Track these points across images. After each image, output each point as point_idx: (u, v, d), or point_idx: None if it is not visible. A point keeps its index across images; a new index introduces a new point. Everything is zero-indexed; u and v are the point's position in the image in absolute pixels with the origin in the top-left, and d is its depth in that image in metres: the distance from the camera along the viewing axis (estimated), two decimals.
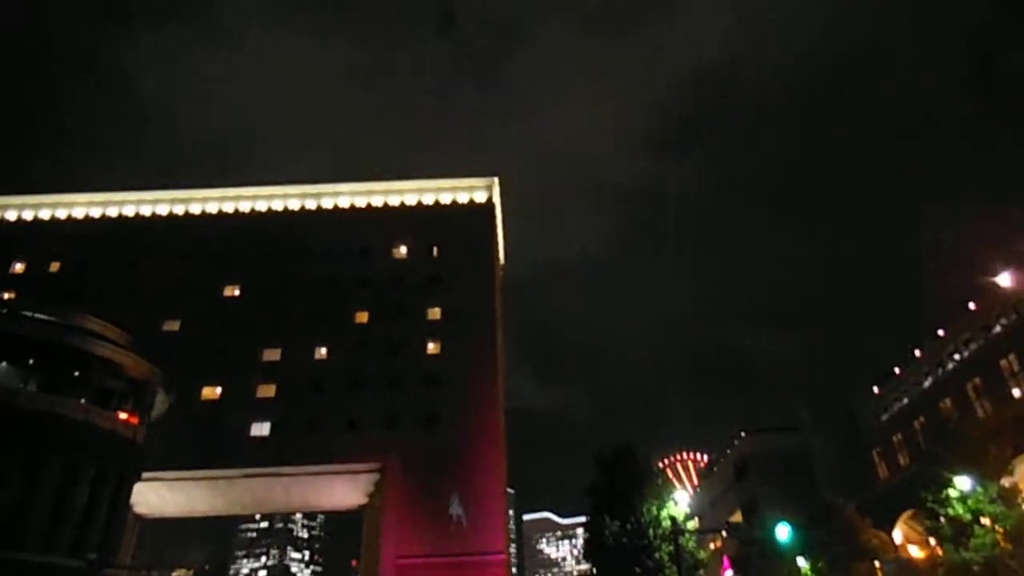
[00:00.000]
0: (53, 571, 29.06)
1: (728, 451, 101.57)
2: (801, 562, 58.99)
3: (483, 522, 54.45)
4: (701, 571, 39.26)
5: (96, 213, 68.33)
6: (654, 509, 38.09)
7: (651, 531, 37.64)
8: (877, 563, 53.70)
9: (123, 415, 36.19)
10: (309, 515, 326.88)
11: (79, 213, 68.25)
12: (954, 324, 75.62)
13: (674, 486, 37.61)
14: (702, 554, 39.48)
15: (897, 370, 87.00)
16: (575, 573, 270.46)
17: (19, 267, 65.40)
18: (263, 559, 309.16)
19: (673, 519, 33.09)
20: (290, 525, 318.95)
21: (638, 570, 36.70)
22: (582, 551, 48.20)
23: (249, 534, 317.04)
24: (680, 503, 35.26)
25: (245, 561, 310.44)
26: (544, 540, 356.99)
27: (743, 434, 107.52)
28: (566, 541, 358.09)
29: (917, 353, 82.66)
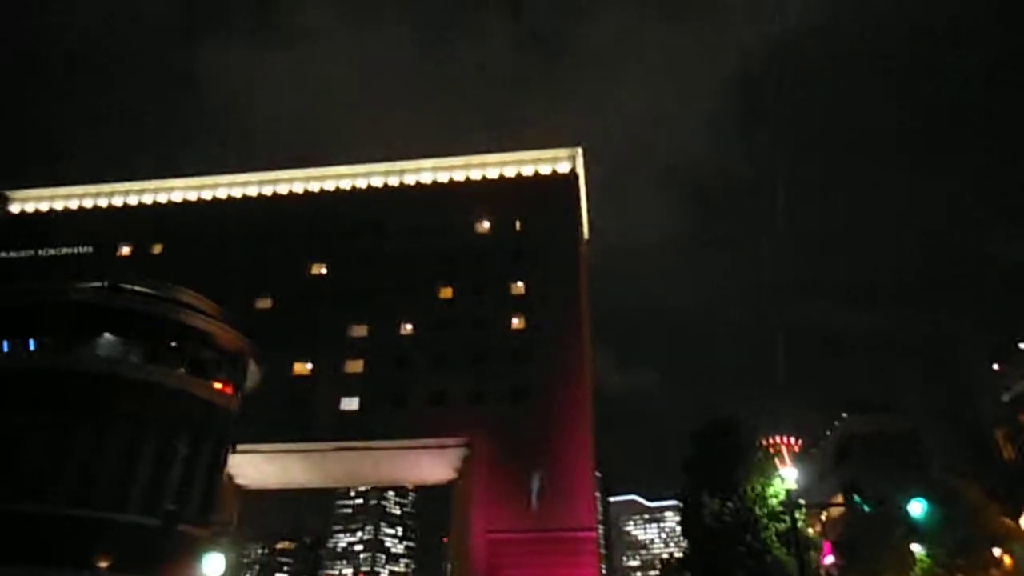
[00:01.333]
0: (144, 531, 29.71)
1: (828, 432, 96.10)
2: (916, 548, 54.73)
3: (572, 499, 53.24)
4: (813, 551, 36.40)
5: (192, 197, 70.98)
6: (758, 486, 35.55)
7: (755, 509, 35.17)
8: (998, 551, 48.91)
9: (218, 385, 36.86)
10: (401, 492, 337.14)
11: (177, 197, 71.11)
12: None
13: (778, 462, 34.90)
14: (811, 533, 36.55)
15: (1023, 345, 79.62)
16: (663, 556, 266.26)
17: (126, 250, 68.84)
18: (359, 534, 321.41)
19: (788, 493, 30.46)
20: (383, 502, 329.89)
21: (742, 550, 34.38)
22: (677, 530, 46.16)
23: (345, 510, 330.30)
24: (789, 479, 32.60)
25: (342, 536, 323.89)
26: (631, 522, 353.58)
27: (844, 415, 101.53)
28: (654, 524, 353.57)
29: None
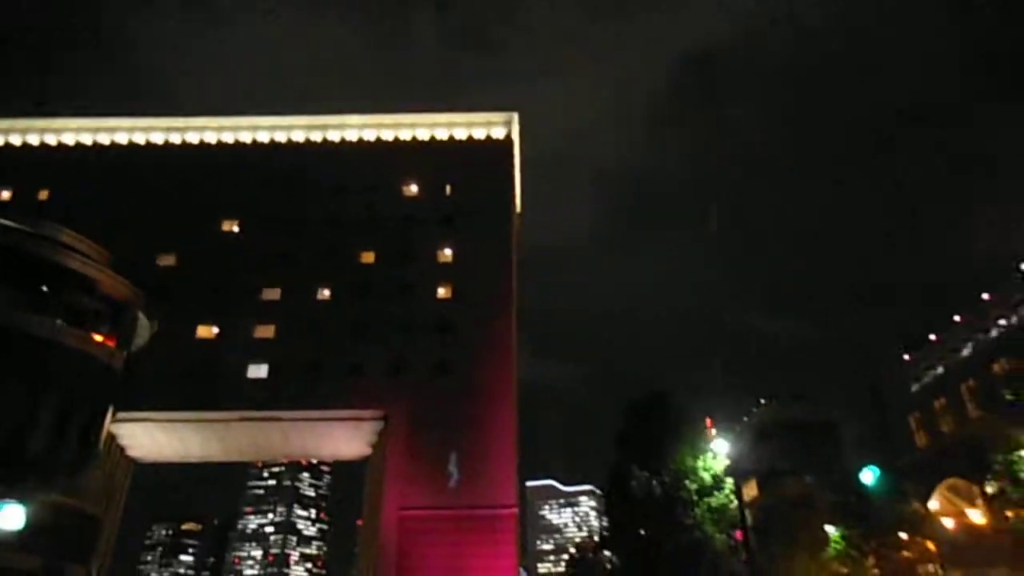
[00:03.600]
0: None
1: (745, 419, 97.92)
2: (830, 530, 55.49)
3: (492, 476, 50.98)
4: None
5: (87, 140, 64.03)
6: (690, 460, 34.18)
7: (687, 484, 33.81)
8: (904, 535, 49.94)
9: (98, 338, 32.36)
10: (316, 473, 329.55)
11: (69, 139, 63.97)
12: (1002, 289, 71.25)
13: (711, 436, 33.64)
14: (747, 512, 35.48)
15: (933, 337, 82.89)
16: (576, 539, 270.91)
17: (5, 195, 61.48)
18: (270, 516, 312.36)
19: (724, 468, 28.94)
20: (297, 483, 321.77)
21: (669, 523, 32.94)
22: (591, 515, 44.65)
23: (256, 491, 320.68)
24: (720, 452, 31.35)
25: (252, 517, 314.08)
26: (547, 507, 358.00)
27: (762, 401, 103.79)
28: (568, 508, 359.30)
29: (956, 318, 78.43)
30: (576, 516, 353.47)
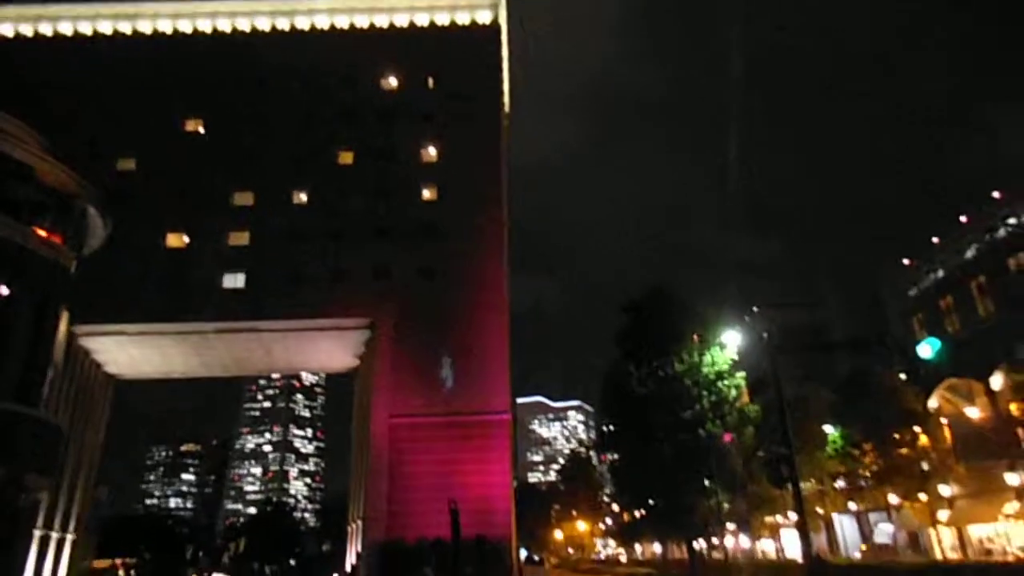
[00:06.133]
0: None
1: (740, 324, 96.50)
2: (828, 429, 54.57)
3: (485, 382, 49.09)
4: (750, 427, 33.53)
5: (27, 30, 57.98)
6: (694, 355, 31.86)
7: (687, 380, 31.58)
8: (917, 428, 48.98)
9: (42, 233, 28.87)
10: (309, 396, 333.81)
11: (7, 29, 57.88)
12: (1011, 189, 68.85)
13: (720, 328, 31.24)
14: (751, 408, 33.54)
15: (935, 239, 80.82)
16: (565, 451, 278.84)
17: None
18: (267, 435, 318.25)
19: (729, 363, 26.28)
20: (292, 405, 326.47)
21: (670, 421, 30.93)
22: (579, 429, 42.84)
23: (252, 412, 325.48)
24: (729, 345, 29.07)
25: (250, 437, 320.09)
26: (536, 422, 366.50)
27: (755, 309, 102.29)
28: (557, 423, 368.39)
29: (962, 219, 76.13)
30: (565, 429, 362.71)
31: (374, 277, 51.88)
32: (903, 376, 44.49)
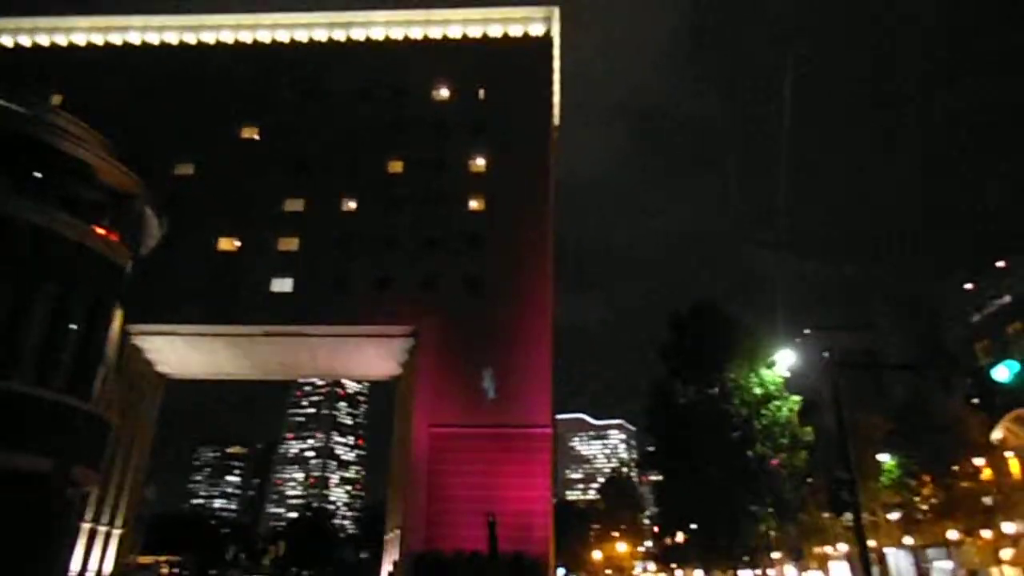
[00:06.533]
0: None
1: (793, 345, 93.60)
2: (884, 458, 52.14)
3: (527, 394, 48.46)
4: (804, 452, 32.02)
5: (99, 40, 60.48)
6: (743, 372, 30.67)
7: (736, 400, 30.40)
8: (980, 460, 46.32)
9: (100, 231, 29.63)
10: (352, 403, 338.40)
11: (80, 39, 60.53)
12: None
13: (771, 347, 30.02)
14: (804, 431, 32.06)
15: (1001, 264, 77.31)
16: (605, 469, 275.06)
17: None
18: (310, 441, 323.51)
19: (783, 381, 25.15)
20: (334, 412, 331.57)
21: (717, 442, 29.77)
22: (620, 448, 41.58)
23: (297, 418, 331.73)
24: (781, 365, 27.86)
25: (294, 442, 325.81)
26: (577, 439, 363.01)
27: (806, 331, 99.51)
28: (598, 441, 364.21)
29: None
30: (606, 448, 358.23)
31: (420, 286, 51.97)
32: (974, 402, 42.13)
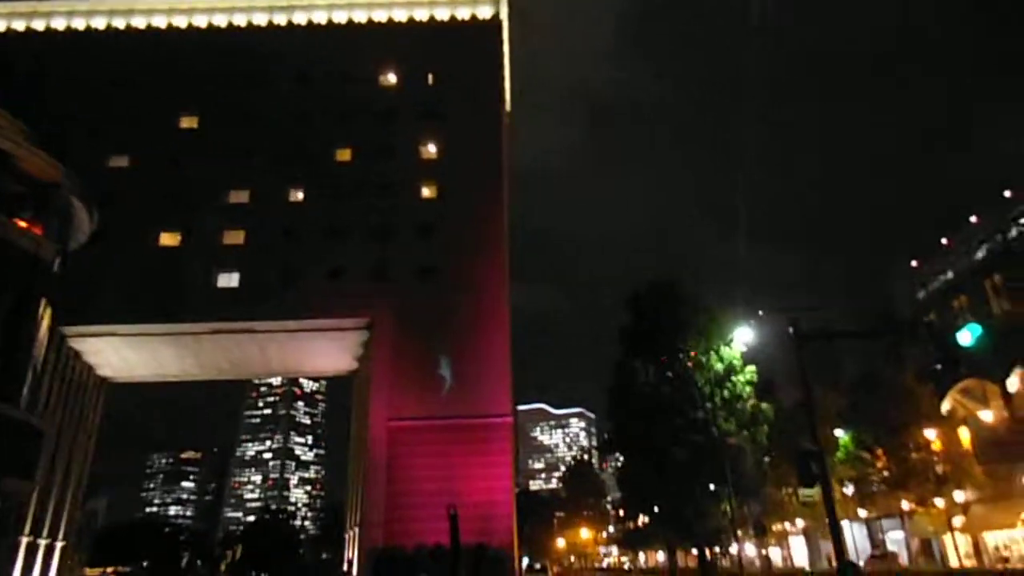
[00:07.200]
0: None
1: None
2: (839, 433, 53.03)
3: (486, 384, 47.69)
4: (765, 427, 32.02)
5: (20, 25, 56.97)
6: (703, 350, 30.44)
7: (697, 378, 30.16)
8: (931, 432, 47.40)
9: (21, 224, 27.59)
10: (310, 403, 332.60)
11: None
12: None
13: (730, 324, 29.78)
14: (764, 406, 32.08)
15: (944, 241, 79.76)
16: (566, 458, 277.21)
17: None
18: (268, 443, 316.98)
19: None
20: (292, 412, 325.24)
21: (679, 422, 29.50)
22: (580, 436, 41.28)
23: (252, 420, 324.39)
24: (739, 341, 27.64)
25: (250, 444, 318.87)
26: (538, 429, 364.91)
27: (760, 313, 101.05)
28: (559, 430, 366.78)
29: (972, 219, 74.99)
30: (567, 437, 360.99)
31: (372, 277, 50.61)
32: (933, 369, 42.93)
